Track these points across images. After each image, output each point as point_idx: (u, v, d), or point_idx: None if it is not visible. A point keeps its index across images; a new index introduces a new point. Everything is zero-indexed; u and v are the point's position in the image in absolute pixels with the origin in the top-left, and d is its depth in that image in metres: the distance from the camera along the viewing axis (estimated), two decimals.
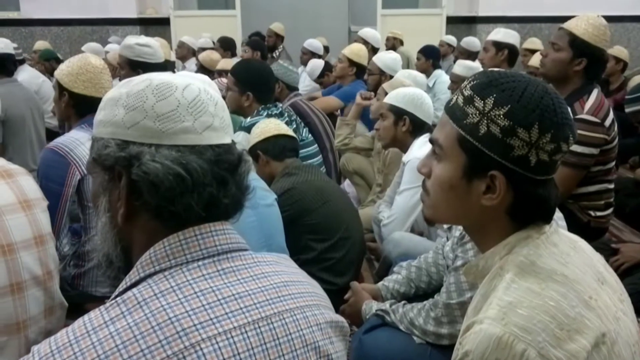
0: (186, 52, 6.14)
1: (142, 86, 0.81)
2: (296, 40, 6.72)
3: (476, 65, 4.13)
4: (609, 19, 2.50)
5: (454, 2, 8.17)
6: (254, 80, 2.75)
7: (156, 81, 0.81)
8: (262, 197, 1.90)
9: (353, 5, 8.87)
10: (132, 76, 2.73)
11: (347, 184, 3.75)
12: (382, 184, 3.12)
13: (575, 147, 2.21)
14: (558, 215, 1.54)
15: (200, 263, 0.78)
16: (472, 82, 0.93)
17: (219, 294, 0.76)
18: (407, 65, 6.10)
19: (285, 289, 0.83)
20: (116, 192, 0.81)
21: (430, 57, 5.45)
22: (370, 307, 1.84)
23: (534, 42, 5.54)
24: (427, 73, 5.13)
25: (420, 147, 2.39)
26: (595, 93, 2.32)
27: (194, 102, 0.80)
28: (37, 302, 1.55)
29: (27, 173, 1.66)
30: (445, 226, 1.80)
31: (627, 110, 2.91)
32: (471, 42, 6.00)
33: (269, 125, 2.33)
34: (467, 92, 0.92)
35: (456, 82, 4.01)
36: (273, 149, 2.29)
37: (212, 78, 3.94)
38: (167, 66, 3.03)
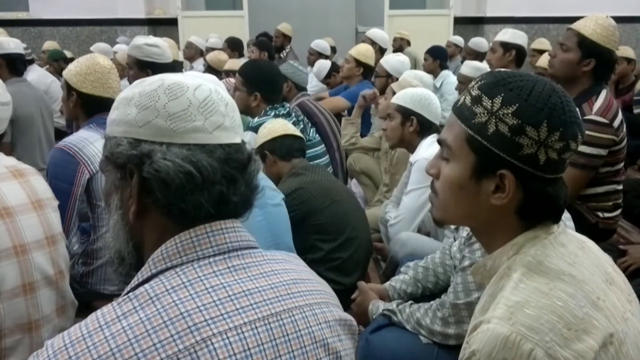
0: (194, 53, 6.16)
1: (155, 86, 0.82)
2: (303, 40, 6.73)
3: (484, 66, 4.12)
4: (618, 19, 2.49)
5: (462, 3, 8.15)
6: (262, 81, 2.76)
7: (168, 81, 0.82)
8: (270, 196, 1.91)
9: (360, 5, 8.88)
10: (140, 76, 2.75)
11: (354, 184, 3.76)
12: (389, 184, 3.12)
13: (583, 148, 2.20)
14: (566, 216, 1.54)
15: (211, 260, 0.79)
16: (479, 82, 0.93)
17: (229, 290, 0.77)
18: (414, 65, 6.09)
19: (295, 286, 0.84)
20: (128, 190, 0.82)
21: (438, 58, 5.44)
22: (377, 306, 1.84)
23: (542, 43, 5.51)
24: (435, 74, 5.13)
25: (428, 148, 2.40)
26: (603, 94, 2.31)
27: (205, 102, 0.81)
28: (50, 301, 1.56)
29: (38, 172, 1.67)
30: (452, 226, 1.80)
31: (635, 111, 2.90)
32: (479, 42, 5.98)
33: (276, 125, 2.34)
34: (475, 92, 0.92)
35: (464, 82, 4.00)
36: (280, 149, 2.30)
37: (220, 78, 3.96)
38: (175, 66, 3.04)
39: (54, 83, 4.86)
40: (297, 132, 2.39)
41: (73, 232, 2.07)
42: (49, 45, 6.51)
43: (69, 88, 2.09)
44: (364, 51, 4.32)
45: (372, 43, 5.16)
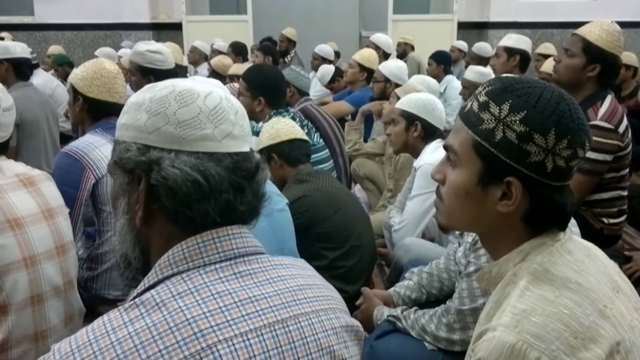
0: (198, 57, 6.18)
1: (166, 92, 0.82)
2: (307, 45, 6.74)
3: (488, 71, 4.12)
4: (621, 24, 2.49)
5: (465, 8, 8.16)
6: (266, 86, 2.77)
7: (179, 88, 0.82)
8: (275, 201, 1.90)
9: (364, 10, 8.89)
10: (143, 83, 2.76)
11: (357, 189, 3.76)
12: (393, 189, 3.12)
13: (588, 154, 2.18)
14: (571, 222, 1.53)
15: (217, 266, 0.79)
16: (487, 88, 0.93)
17: (235, 296, 0.77)
18: (418, 70, 6.10)
19: (301, 292, 0.84)
20: (135, 195, 0.82)
21: (442, 63, 5.45)
22: (382, 312, 1.84)
23: (547, 47, 5.50)
24: (439, 78, 5.13)
25: (432, 153, 2.39)
26: (609, 99, 2.31)
27: (215, 110, 0.81)
28: (57, 311, 1.56)
29: (49, 178, 1.66)
30: (457, 232, 1.80)
31: None
32: (482, 47, 5.98)
33: (285, 127, 2.27)
34: (482, 98, 0.92)
35: (468, 87, 4.00)
36: (289, 155, 2.25)
37: (224, 83, 3.97)
38: (177, 72, 3.04)
39: (59, 87, 4.89)
40: (304, 136, 2.36)
41: (78, 237, 2.07)
42: (54, 49, 6.54)
43: (75, 92, 2.10)
44: (367, 56, 4.33)
45: (376, 48, 5.17)
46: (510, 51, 3.82)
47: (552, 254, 0.91)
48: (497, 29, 7.83)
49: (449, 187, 0.97)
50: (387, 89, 3.73)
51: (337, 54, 6.62)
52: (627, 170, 2.42)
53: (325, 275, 2.17)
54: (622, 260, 2.39)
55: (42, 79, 4.70)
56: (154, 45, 2.86)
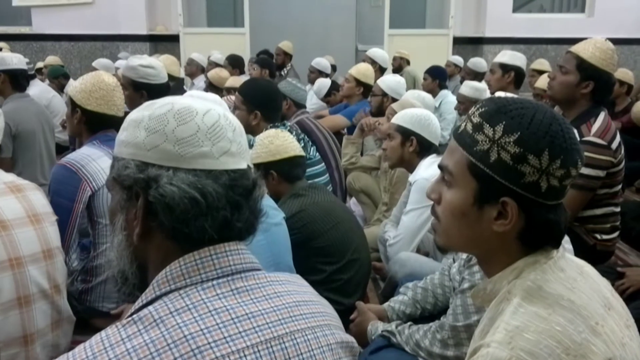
0: (195, 69, 6.20)
1: (164, 110, 0.83)
2: (304, 58, 6.78)
3: (483, 86, 4.16)
4: (615, 41, 2.53)
5: (461, 23, 8.24)
6: (262, 99, 2.78)
7: (178, 105, 0.83)
8: (271, 215, 1.90)
9: (360, 24, 8.97)
10: (136, 97, 2.78)
11: (353, 203, 3.76)
12: (389, 203, 3.12)
13: (581, 170, 2.21)
14: (565, 238, 1.54)
15: (214, 282, 0.80)
16: (480, 110, 0.94)
17: (232, 313, 0.77)
18: (413, 85, 6.14)
19: (297, 308, 0.84)
20: (133, 211, 0.83)
21: (437, 78, 5.49)
22: (376, 327, 1.84)
23: (542, 63, 5.54)
24: (434, 93, 5.17)
25: (427, 168, 2.40)
26: (602, 116, 2.34)
27: (213, 128, 0.82)
28: (44, 315, 1.57)
29: (37, 188, 1.68)
30: None
31: None
32: (478, 62, 6.03)
33: (284, 143, 2.25)
34: (476, 119, 0.93)
35: (463, 102, 4.03)
36: (289, 172, 2.25)
37: (221, 95, 3.98)
38: (170, 86, 3.03)
39: (55, 97, 4.89)
40: (302, 151, 2.35)
41: (73, 249, 2.07)
42: (50, 60, 6.54)
43: (73, 105, 2.11)
44: (364, 71, 4.36)
45: (372, 62, 5.20)
46: (505, 67, 3.85)
47: (545, 271, 0.92)
48: (492, 45, 7.92)
49: (444, 206, 0.98)
50: (384, 102, 3.76)
51: (334, 68, 6.66)
52: (620, 186, 2.44)
53: (322, 288, 2.18)
54: (615, 276, 2.40)
55: (39, 89, 4.71)
56: (146, 59, 2.85)
